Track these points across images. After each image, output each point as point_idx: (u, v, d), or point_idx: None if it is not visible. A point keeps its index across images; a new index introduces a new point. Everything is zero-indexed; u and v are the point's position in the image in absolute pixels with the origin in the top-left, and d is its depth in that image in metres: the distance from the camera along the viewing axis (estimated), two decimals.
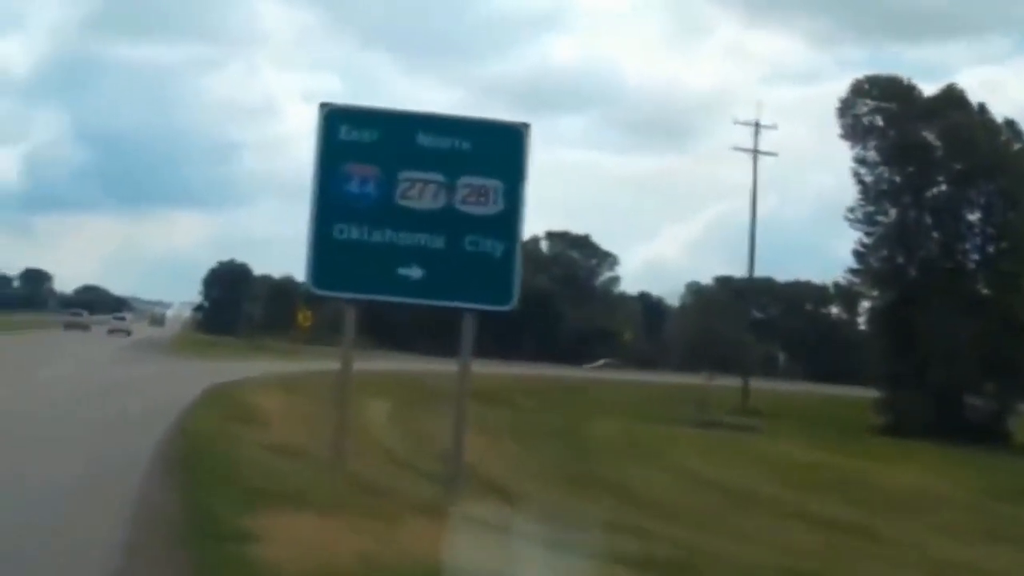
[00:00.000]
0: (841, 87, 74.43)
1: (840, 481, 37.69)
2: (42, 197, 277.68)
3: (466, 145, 18.13)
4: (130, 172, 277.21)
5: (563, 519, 19.16)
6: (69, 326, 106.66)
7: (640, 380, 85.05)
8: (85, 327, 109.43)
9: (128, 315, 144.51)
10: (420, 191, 17.90)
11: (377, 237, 17.81)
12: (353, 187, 17.83)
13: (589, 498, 26.76)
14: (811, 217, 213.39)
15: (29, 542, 11.59)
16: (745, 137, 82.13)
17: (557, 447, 38.59)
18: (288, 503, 13.40)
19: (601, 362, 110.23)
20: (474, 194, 17.98)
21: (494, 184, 18.04)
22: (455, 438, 18.45)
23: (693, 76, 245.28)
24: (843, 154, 72.29)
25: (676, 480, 34.27)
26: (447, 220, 17.92)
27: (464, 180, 17.98)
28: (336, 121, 18.01)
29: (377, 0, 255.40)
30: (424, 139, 18.03)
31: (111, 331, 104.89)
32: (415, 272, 17.88)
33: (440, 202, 17.90)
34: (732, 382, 74.41)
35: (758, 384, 78.45)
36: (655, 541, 19.93)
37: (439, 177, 17.93)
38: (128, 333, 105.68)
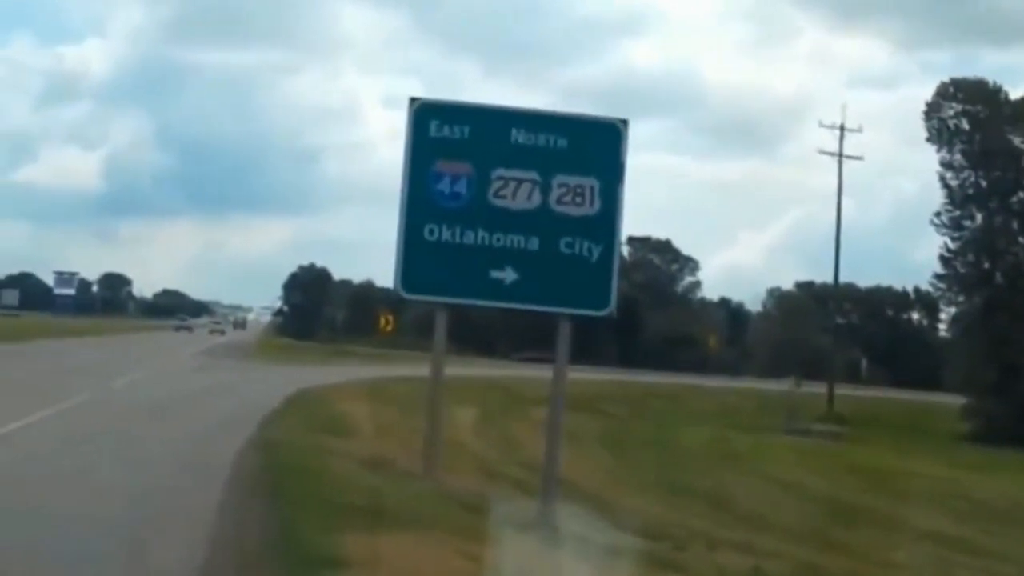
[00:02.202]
0: (926, 91, 73.37)
1: (935, 491, 36.72)
2: (123, 202, 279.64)
3: (562, 142, 17.44)
4: (211, 177, 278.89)
5: (666, 535, 18.42)
6: (178, 328, 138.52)
7: (727, 387, 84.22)
8: (190, 329, 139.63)
9: (209, 319, 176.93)
10: (514, 190, 17.24)
11: (469, 238, 17.16)
12: (444, 186, 17.18)
13: (688, 511, 25.98)
14: (891, 222, 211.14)
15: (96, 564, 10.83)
16: (829, 141, 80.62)
17: (651, 457, 37.85)
18: (380, 522, 12.60)
19: (527, 354, 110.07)
20: (570, 193, 17.32)
21: (591, 183, 17.38)
22: (549, 449, 17.68)
23: (777, 81, 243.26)
24: (926, 158, 71.35)
25: (774, 491, 33.42)
26: (542, 221, 17.26)
27: (559, 179, 17.33)
28: (426, 117, 17.32)
29: (458, 4, 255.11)
30: (518, 135, 17.35)
31: (211, 332, 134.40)
32: (508, 275, 17.23)
33: (535, 202, 17.23)
34: (816, 388, 73.42)
35: (842, 390, 77.44)
36: (761, 556, 19.14)
37: (534, 175, 17.26)
38: (223, 333, 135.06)
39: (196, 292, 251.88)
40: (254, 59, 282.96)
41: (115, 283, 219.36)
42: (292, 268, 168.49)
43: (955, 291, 73.58)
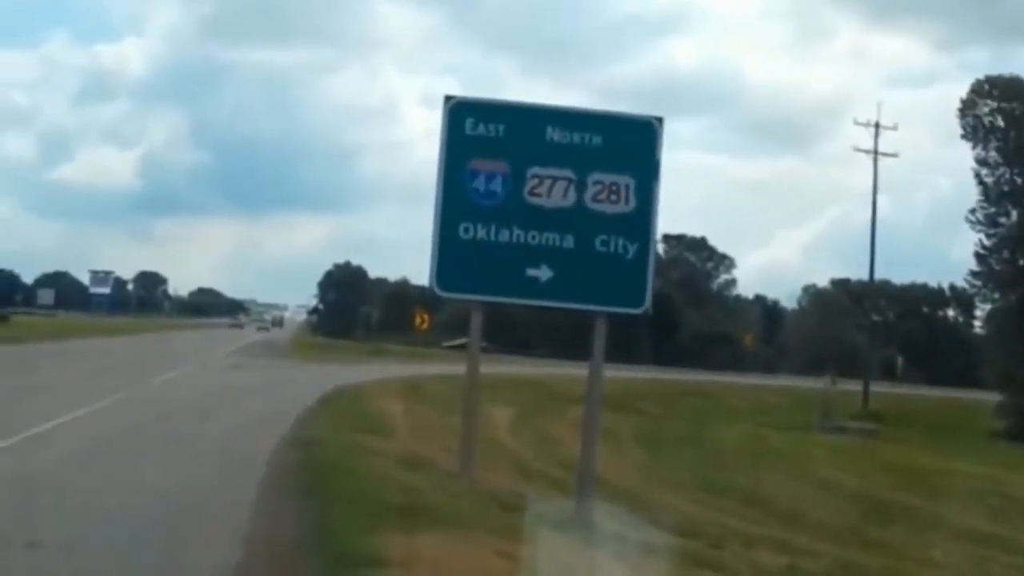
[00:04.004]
0: (961, 90, 73.14)
1: (972, 489, 36.59)
2: (158, 200, 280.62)
3: (597, 140, 17.31)
4: (247, 175, 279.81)
5: (702, 533, 18.39)
6: (232, 326, 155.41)
7: (762, 384, 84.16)
8: (241, 326, 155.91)
9: (246, 318, 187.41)
10: (549, 188, 17.13)
11: (504, 236, 17.04)
12: (479, 184, 17.10)
13: (723, 509, 25.95)
14: (926, 219, 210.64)
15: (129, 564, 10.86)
16: (864, 139, 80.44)
17: (686, 455, 37.81)
18: (417, 520, 12.60)
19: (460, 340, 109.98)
20: (605, 191, 17.18)
21: (626, 181, 17.23)
22: (585, 448, 17.59)
23: (814, 80, 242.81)
24: (961, 156, 71.11)
25: (809, 488, 33.36)
26: (577, 219, 17.13)
27: (595, 176, 17.20)
28: (461, 114, 17.25)
29: (496, 3, 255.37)
30: (553, 133, 17.23)
31: (258, 329, 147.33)
32: (544, 273, 17.12)
33: (570, 200, 17.12)
34: (851, 386, 73.32)
35: (877, 388, 77.34)
36: (797, 554, 19.10)
37: (569, 173, 17.16)
38: (267, 330, 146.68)
39: (231, 291, 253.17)
40: (291, 58, 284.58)
41: (150, 282, 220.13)
42: (327, 266, 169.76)
43: (990, 288, 73.37)
